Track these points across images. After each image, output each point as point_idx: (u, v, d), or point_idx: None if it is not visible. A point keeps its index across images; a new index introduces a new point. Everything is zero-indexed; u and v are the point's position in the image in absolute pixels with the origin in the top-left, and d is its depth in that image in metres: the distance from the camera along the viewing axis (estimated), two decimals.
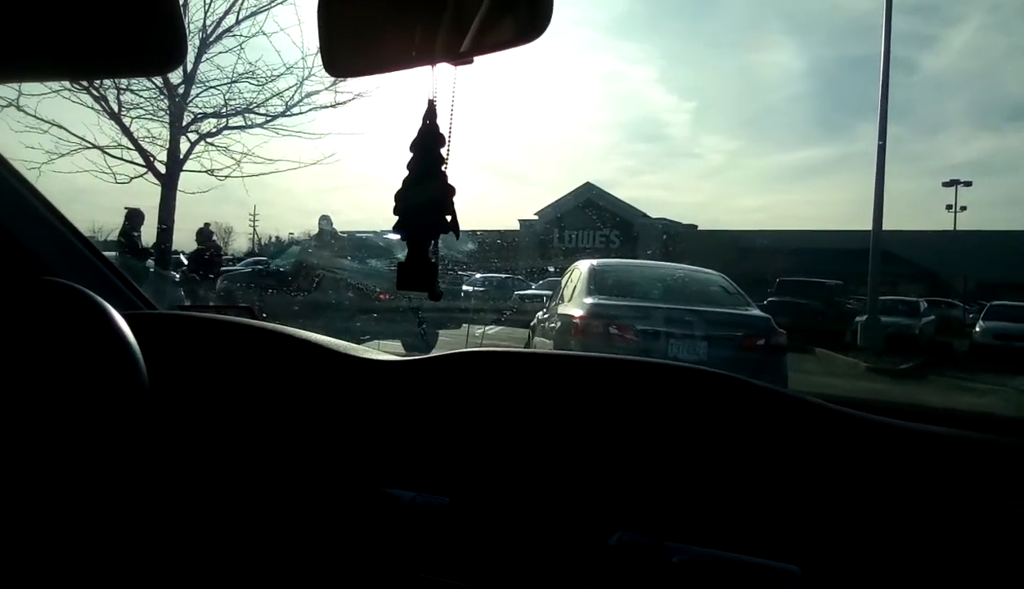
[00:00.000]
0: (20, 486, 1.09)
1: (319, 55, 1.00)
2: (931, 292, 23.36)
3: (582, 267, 7.71)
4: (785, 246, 24.44)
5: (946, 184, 29.09)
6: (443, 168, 0.95)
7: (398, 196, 0.98)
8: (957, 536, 1.04)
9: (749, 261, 23.83)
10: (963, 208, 28.92)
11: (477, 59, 0.92)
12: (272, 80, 13.10)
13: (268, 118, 13.11)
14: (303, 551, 1.33)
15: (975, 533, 1.04)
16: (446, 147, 0.96)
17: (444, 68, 0.94)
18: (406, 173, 0.98)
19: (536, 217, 32.95)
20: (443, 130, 0.96)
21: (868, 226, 15.19)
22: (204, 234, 11.39)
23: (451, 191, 0.95)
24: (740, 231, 30.37)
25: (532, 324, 8.31)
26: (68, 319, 1.15)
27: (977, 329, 17.48)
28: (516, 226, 32.62)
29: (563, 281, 8.06)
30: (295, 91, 13.03)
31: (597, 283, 7.17)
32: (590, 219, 30.88)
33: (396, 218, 0.99)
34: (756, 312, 7.18)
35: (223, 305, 2.05)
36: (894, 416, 1.20)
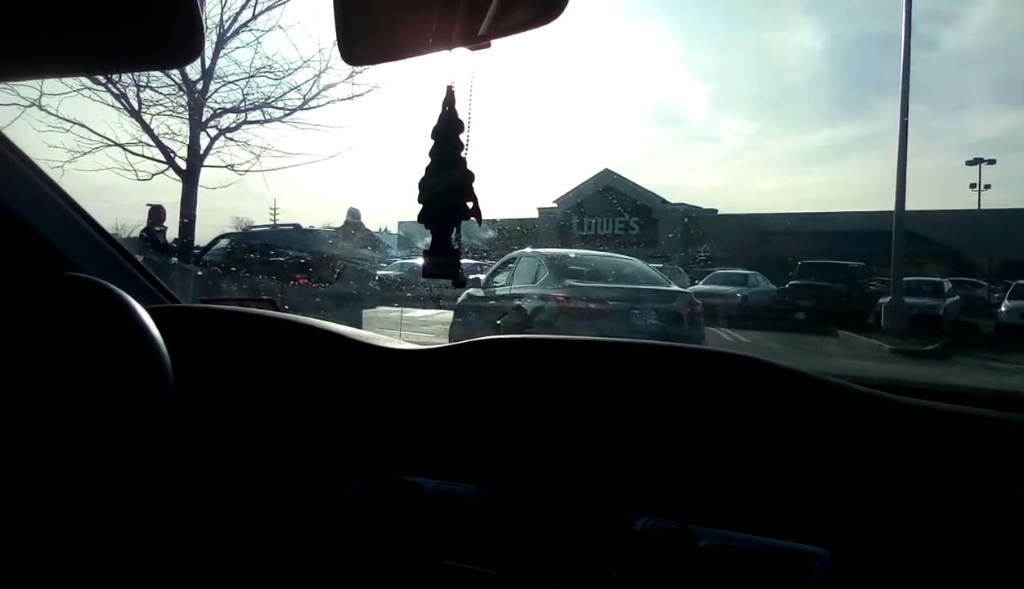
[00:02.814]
0: (44, 481, 1.10)
1: (335, 45, 0.99)
2: (955, 272, 23.03)
3: (533, 256, 9.32)
4: (807, 228, 24.20)
5: (969, 163, 28.47)
6: (463, 154, 0.95)
7: (421, 184, 0.98)
8: (986, 516, 1.03)
9: (771, 244, 23.65)
10: (987, 186, 28.21)
11: (495, 45, 0.91)
12: (289, 74, 13.11)
13: (286, 112, 13.14)
14: (329, 539, 1.34)
15: (1005, 512, 1.02)
16: (465, 133, 0.95)
17: (462, 54, 0.93)
18: (428, 162, 0.98)
19: (555, 205, 32.82)
20: (463, 116, 0.96)
21: (891, 206, 15.01)
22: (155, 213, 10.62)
23: (471, 177, 0.95)
24: (761, 214, 30.01)
25: (460, 304, 9.05)
26: (91, 314, 1.16)
27: (1003, 308, 17.22)
28: (535, 214, 32.52)
29: (507, 268, 9.24)
30: (312, 84, 13.03)
31: (560, 269, 8.59)
32: (609, 205, 30.71)
33: (420, 207, 0.99)
34: (677, 288, 9.36)
35: (245, 298, 2.06)
36: (919, 397, 1.19)
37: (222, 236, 12.16)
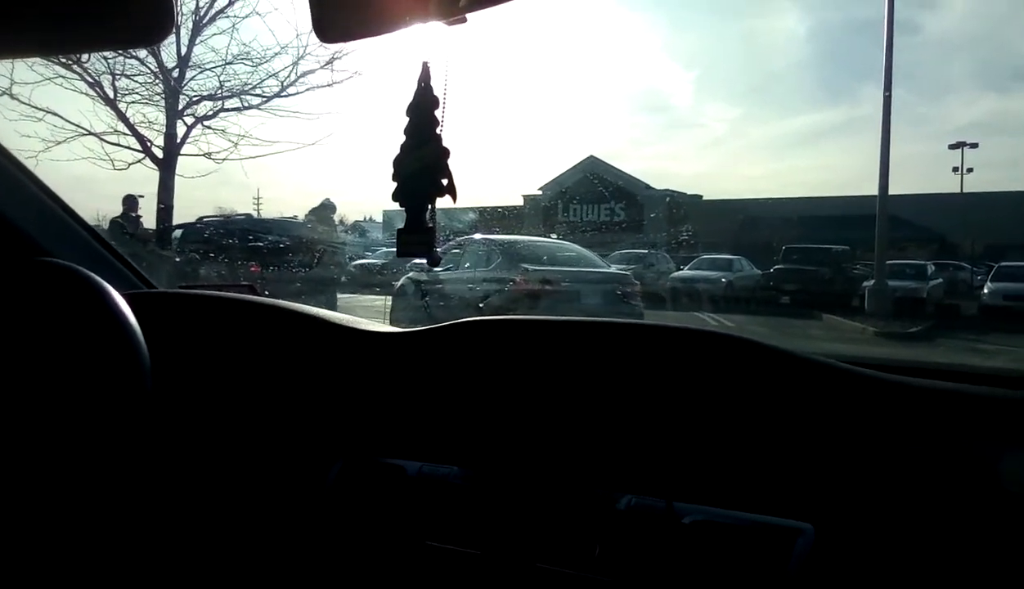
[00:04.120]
0: (17, 472, 1.08)
1: (312, 31, 0.97)
2: (939, 255, 23.14)
3: (483, 242, 9.91)
4: (791, 213, 24.28)
5: (952, 147, 28.60)
6: (438, 131, 0.93)
7: (396, 162, 0.97)
8: (967, 489, 1.03)
9: (756, 229, 23.71)
10: (970, 170, 28.33)
11: (476, 27, 0.89)
12: (267, 60, 12.97)
13: (264, 99, 13.01)
14: (312, 522, 1.33)
15: (985, 486, 1.02)
16: (441, 110, 0.94)
17: (440, 31, 0.91)
18: (403, 139, 0.97)
19: (540, 192, 32.75)
20: (439, 93, 0.95)
21: (874, 191, 15.06)
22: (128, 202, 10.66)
23: (446, 153, 0.93)
24: (746, 199, 30.07)
25: (402, 286, 9.39)
26: (66, 299, 1.14)
27: (985, 291, 17.35)
28: (520, 202, 32.44)
29: (454, 253, 9.59)
30: (291, 71, 12.91)
31: (512, 254, 9.17)
32: (595, 192, 30.67)
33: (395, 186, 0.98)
34: (616, 269, 10.41)
35: (224, 283, 2.05)
36: (902, 374, 1.19)
37: (175, 226, 12.13)
